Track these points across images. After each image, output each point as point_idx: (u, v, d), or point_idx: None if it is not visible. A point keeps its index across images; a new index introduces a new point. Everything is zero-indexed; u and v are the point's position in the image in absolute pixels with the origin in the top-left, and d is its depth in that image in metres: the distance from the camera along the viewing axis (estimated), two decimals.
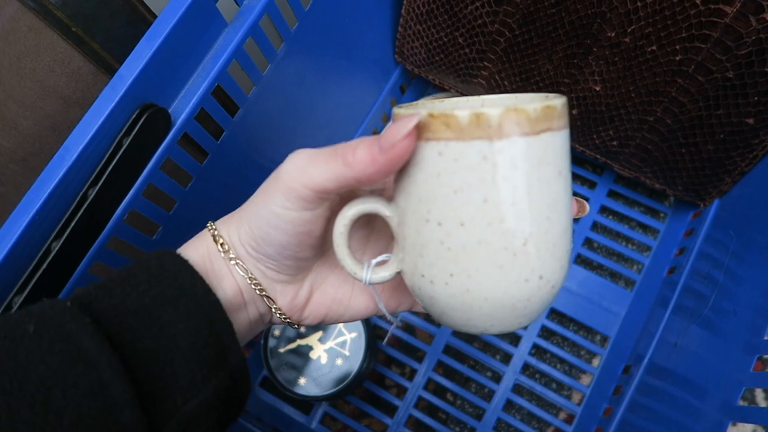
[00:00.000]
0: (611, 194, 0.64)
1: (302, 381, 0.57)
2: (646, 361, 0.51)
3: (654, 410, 0.47)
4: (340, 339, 0.57)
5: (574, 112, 0.55)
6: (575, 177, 0.65)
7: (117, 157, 0.36)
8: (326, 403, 0.62)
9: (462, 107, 0.22)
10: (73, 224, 0.35)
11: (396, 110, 0.26)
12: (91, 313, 0.26)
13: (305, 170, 0.26)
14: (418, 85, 0.70)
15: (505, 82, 0.56)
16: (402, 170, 0.25)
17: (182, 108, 0.39)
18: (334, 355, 0.57)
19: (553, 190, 0.23)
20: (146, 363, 0.25)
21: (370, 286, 0.29)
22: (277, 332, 0.59)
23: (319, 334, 0.58)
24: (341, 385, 0.56)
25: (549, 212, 0.23)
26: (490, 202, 0.22)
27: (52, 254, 0.35)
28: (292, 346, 0.58)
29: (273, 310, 0.31)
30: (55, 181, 0.34)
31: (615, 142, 0.55)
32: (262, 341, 0.58)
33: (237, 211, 0.31)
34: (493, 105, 0.27)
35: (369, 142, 0.24)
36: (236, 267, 0.30)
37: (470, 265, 0.23)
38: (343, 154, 0.25)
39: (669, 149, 0.53)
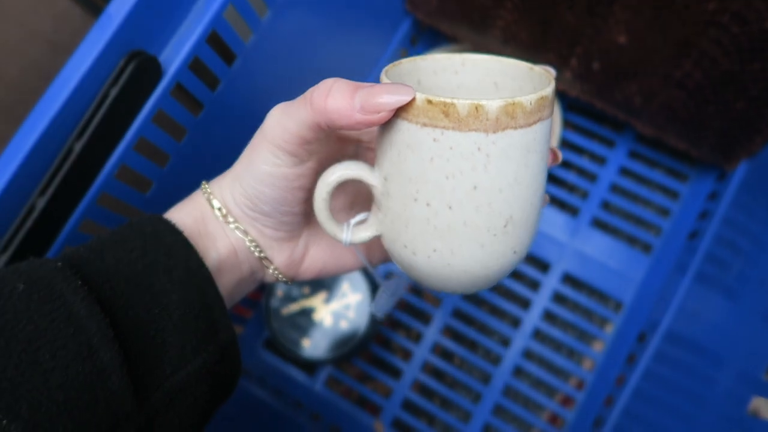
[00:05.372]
0: (632, 155, 0.61)
1: (306, 343, 0.55)
2: (663, 328, 0.49)
3: (670, 379, 0.46)
4: (345, 301, 0.56)
5: (595, 66, 0.51)
6: (593, 135, 0.62)
7: (104, 107, 0.34)
8: (330, 365, 0.60)
9: (461, 99, 0.22)
10: (58, 179, 0.33)
11: (386, 75, 0.25)
12: (82, 275, 0.25)
13: (282, 123, 0.25)
14: (429, 36, 0.66)
15: (522, 34, 0.53)
16: (389, 143, 0.24)
17: (174, 56, 0.37)
18: (338, 317, 0.55)
19: (536, 174, 0.24)
20: (137, 330, 0.25)
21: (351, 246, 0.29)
22: (279, 293, 0.57)
23: (323, 295, 0.56)
24: (345, 348, 0.54)
25: (532, 197, 0.24)
26: (479, 189, 0.23)
27: (37, 211, 0.33)
28: (296, 307, 0.56)
29: (271, 270, 0.31)
30: (38, 132, 0.32)
31: (638, 99, 0.52)
32: (263, 302, 0.56)
33: (229, 170, 0.30)
34: (485, 89, 0.28)
35: (345, 91, 0.23)
36: (236, 231, 0.29)
37: (453, 243, 0.24)
38: (314, 100, 0.24)
39: (696, 107, 0.49)
